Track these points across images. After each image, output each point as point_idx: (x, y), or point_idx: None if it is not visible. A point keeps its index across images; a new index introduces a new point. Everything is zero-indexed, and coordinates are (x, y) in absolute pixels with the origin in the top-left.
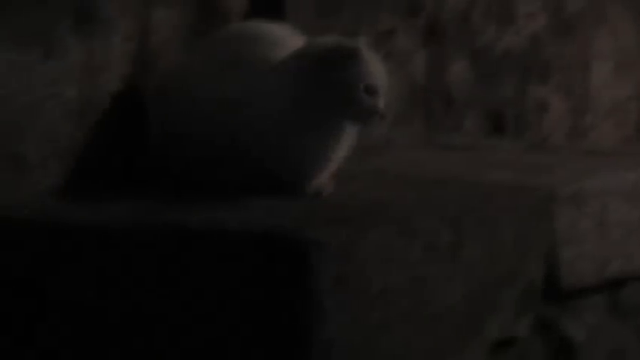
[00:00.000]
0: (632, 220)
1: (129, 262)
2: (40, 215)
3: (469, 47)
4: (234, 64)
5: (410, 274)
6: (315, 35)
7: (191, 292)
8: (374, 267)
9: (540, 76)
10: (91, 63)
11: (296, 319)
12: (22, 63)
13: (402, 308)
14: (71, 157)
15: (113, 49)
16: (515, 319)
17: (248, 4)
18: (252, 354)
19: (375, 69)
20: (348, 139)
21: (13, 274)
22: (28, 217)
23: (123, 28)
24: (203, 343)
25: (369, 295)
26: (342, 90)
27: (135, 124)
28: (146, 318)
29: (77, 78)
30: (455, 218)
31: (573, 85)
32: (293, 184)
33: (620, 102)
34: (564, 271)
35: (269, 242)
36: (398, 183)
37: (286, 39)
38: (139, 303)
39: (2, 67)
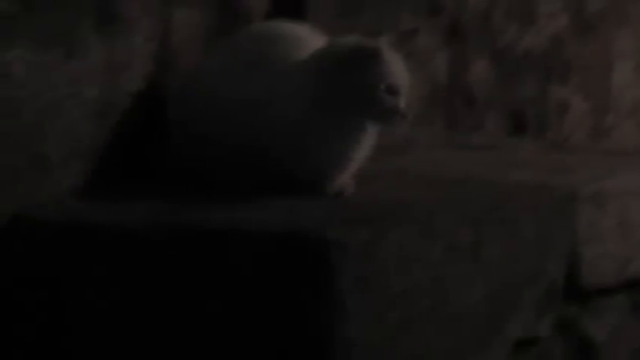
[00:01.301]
0: None
1: (149, 262)
2: (61, 215)
3: (490, 47)
4: (255, 64)
5: (431, 273)
6: (336, 35)
7: (211, 292)
8: (395, 267)
9: (561, 76)
10: (112, 63)
11: (317, 318)
12: (43, 63)
13: (423, 308)
14: (92, 156)
15: (134, 49)
16: (536, 319)
17: (269, 4)
18: (274, 354)
19: (396, 69)
20: (369, 138)
21: (33, 273)
22: (50, 217)
23: (144, 28)
24: (224, 343)
25: (390, 294)
26: (364, 90)
27: (155, 124)
28: (166, 317)
29: (99, 78)
30: (476, 218)
31: (594, 85)
32: (314, 185)
33: None
34: (585, 271)
35: (290, 242)
36: (419, 183)
37: (307, 39)
38: (159, 303)
39: (24, 67)
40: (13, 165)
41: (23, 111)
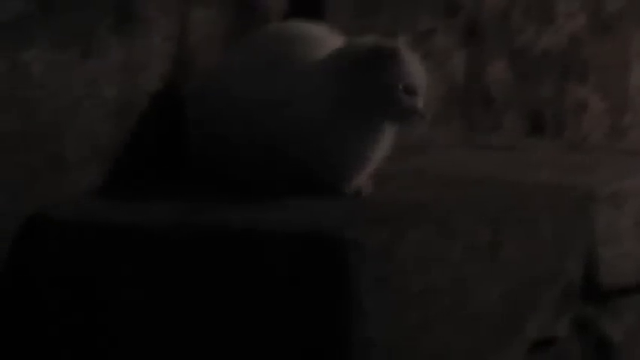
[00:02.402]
0: None
1: (170, 262)
2: (79, 215)
3: (508, 47)
4: (273, 64)
5: (449, 274)
6: (354, 35)
7: (230, 291)
8: (414, 267)
9: (579, 75)
10: (130, 62)
11: (336, 318)
12: (61, 63)
13: (442, 308)
14: (110, 156)
15: (152, 49)
16: (554, 319)
17: (287, 3)
18: (292, 353)
19: (414, 69)
20: (387, 138)
21: (51, 274)
22: (68, 217)
23: (162, 28)
24: (243, 341)
25: (408, 294)
26: (381, 90)
27: (174, 124)
28: (189, 316)
29: (117, 78)
30: (494, 218)
31: (612, 85)
32: (333, 184)
33: None
34: (603, 271)
35: (309, 242)
36: (437, 183)
37: (325, 39)
38: (180, 302)
39: (42, 67)
40: (31, 165)
41: (41, 111)
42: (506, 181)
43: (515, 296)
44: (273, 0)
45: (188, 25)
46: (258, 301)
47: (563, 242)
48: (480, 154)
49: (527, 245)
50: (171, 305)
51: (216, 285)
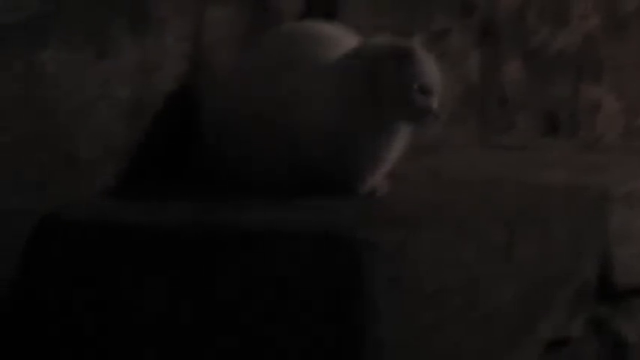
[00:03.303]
0: None
1: (182, 262)
2: (94, 215)
3: (523, 47)
4: (287, 64)
5: (464, 274)
6: (368, 35)
7: (244, 291)
8: (428, 267)
9: (594, 75)
10: (144, 62)
11: (349, 318)
12: (75, 62)
13: (455, 308)
14: (125, 156)
15: (167, 49)
16: (569, 319)
17: (302, 3)
18: (305, 353)
19: (429, 69)
20: (402, 138)
21: (66, 273)
22: (82, 217)
23: (176, 28)
24: (257, 341)
25: (422, 295)
26: (397, 90)
27: (188, 124)
28: (201, 316)
29: (131, 78)
30: (509, 218)
31: (627, 85)
32: (347, 184)
33: None
34: (618, 271)
35: (323, 243)
36: (452, 183)
37: (340, 39)
38: (193, 301)
39: (56, 66)
40: (46, 164)
41: (56, 111)
42: (521, 181)
43: (529, 296)
44: (288, 0)
45: (203, 25)
46: (272, 300)
47: (578, 242)
48: (494, 155)
49: (541, 245)
50: (185, 304)
51: (229, 285)
